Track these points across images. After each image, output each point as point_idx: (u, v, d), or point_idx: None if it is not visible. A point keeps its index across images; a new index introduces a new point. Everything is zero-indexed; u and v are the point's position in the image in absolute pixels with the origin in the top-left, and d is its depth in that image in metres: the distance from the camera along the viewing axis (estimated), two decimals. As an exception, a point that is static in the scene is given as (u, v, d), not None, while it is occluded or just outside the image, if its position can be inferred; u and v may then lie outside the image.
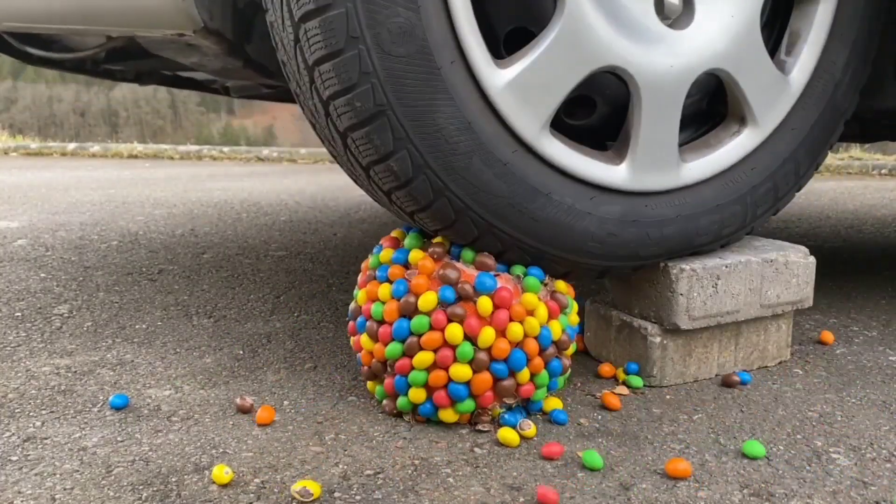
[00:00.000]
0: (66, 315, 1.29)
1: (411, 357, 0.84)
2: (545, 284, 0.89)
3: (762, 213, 1.02)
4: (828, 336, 1.15)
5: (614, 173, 0.91)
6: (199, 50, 1.11)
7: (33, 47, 1.36)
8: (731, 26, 0.92)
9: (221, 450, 0.80)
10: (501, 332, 0.83)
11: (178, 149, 5.76)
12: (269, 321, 1.27)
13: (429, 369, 0.83)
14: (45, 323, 1.25)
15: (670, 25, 0.91)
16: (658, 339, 0.97)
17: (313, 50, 0.78)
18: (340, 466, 0.77)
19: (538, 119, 0.85)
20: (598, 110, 0.94)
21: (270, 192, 3.22)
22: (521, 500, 0.71)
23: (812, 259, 1.05)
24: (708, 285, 0.96)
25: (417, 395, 0.84)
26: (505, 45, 0.88)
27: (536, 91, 0.84)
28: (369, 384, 0.92)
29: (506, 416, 0.86)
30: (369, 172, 0.84)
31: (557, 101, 0.85)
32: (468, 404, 0.84)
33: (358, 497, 0.71)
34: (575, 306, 0.93)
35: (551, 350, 0.86)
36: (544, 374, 0.87)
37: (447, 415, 0.85)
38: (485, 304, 0.83)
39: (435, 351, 0.83)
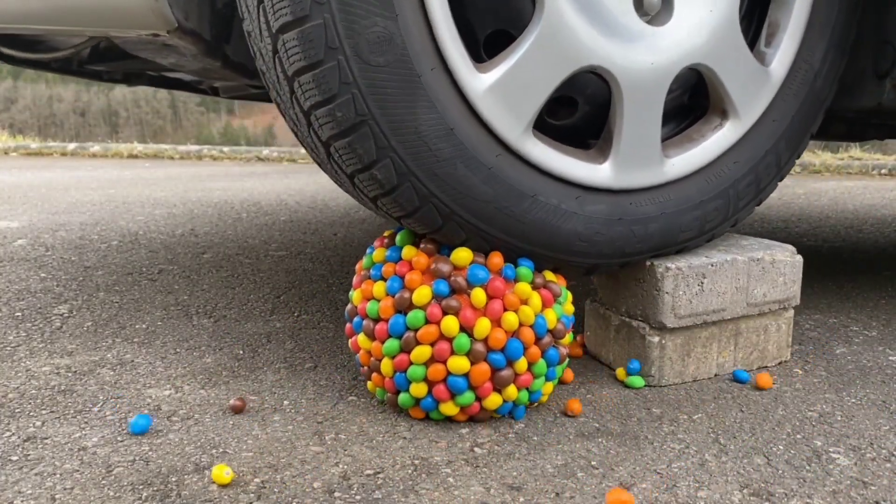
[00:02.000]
0: (67, 315, 1.29)
1: (409, 352, 0.84)
2: (536, 273, 0.89)
3: (744, 205, 1.02)
4: (765, 380, 0.99)
5: (598, 172, 0.91)
6: (177, 50, 1.10)
7: (14, 49, 1.35)
8: (710, 20, 0.92)
9: (221, 450, 0.80)
10: (497, 323, 0.84)
11: (178, 149, 5.77)
12: (269, 321, 1.27)
13: (427, 363, 0.84)
14: (45, 323, 1.25)
15: (649, 22, 0.91)
16: (657, 339, 0.97)
17: (292, 61, 0.77)
18: (340, 466, 0.77)
19: (521, 122, 0.85)
20: (580, 109, 0.94)
21: (270, 191, 3.22)
22: (521, 499, 0.71)
23: (799, 258, 1.05)
24: (694, 284, 0.96)
25: (418, 389, 0.84)
26: (485, 48, 0.88)
27: (518, 94, 0.84)
28: (369, 384, 0.92)
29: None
30: (353, 180, 0.84)
31: (539, 103, 0.85)
32: (468, 396, 0.84)
33: (358, 497, 0.71)
34: (568, 295, 0.93)
35: (547, 339, 0.87)
36: (542, 363, 0.87)
37: (448, 408, 0.85)
38: (478, 295, 0.83)
39: (432, 345, 0.83)
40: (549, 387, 0.91)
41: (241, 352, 1.11)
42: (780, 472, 0.77)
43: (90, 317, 1.28)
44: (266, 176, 4.00)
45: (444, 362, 0.83)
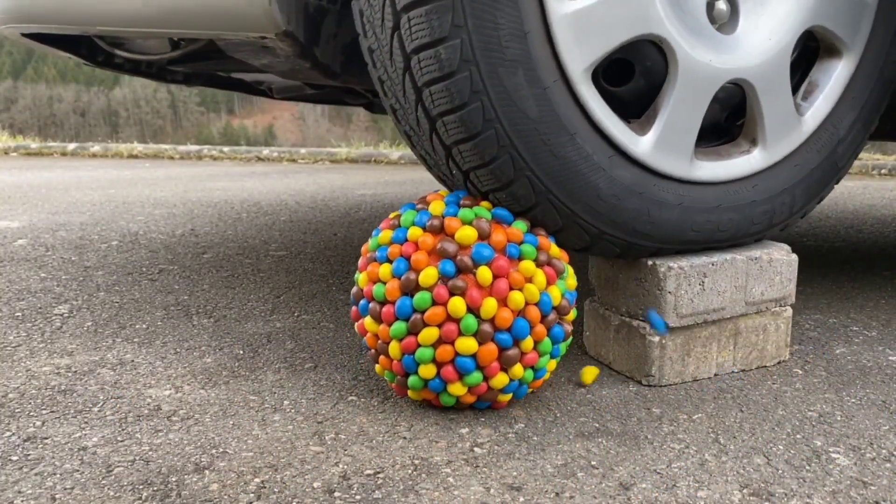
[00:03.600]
0: (67, 315, 1.29)
1: (416, 335, 0.84)
2: (539, 250, 0.89)
3: (755, 231, 1.05)
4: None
5: (637, 142, 0.93)
6: (273, 52, 1.15)
7: (126, 51, 1.41)
8: (767, 46, 0.99)
9: (222, 449, 0.80)
10: (503, 302, 0.84)
11: (178, 149, 5.77)
12: (269, 321, 1.27)
13: (435, 345, 0.84)
14: (45, 323, 1.25)
15: (717, 28, 0.97)
16: (657, 339, 0.97)
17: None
18: (340, 466, 0.77)
19: (586, 58, 0.88)
20: (635, 81, 0.97)
21: (270, 191, 3.22)
22: (521, 499, 0.71)
23: (794, 256, 1.05)
24: (695, 283, 0.97)
25: (427, 371, 0.85)
26: None
27: (593, 30, 0.87)
28: (377, 367, 0.92)
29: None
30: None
31: (607, 49, 0.88)
32: (476, 376, 0.84)
33: (358, 497, 0.71)
34: (571, 271, 0.93)
35: (552, 316, 0.87)
36: (547, 341, 0.87)
37: (456, 388, 0.85)
38: (484, 274, 0.83)
39: (439, 326, 0.83)
40: (552, 364, 0.91)
41: (242, 352, 1.11)
42: (780, 471, 0.77)
43: (90, 317, 1.28)
44: (266, 176, 4.00)
45: (452, 343, 0.84)
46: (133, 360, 1.07)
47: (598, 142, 0.91)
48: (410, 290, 0.85)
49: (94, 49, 1.46)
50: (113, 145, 5.84)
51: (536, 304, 0.85)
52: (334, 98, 1.94)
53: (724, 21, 0.98)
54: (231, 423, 0.87)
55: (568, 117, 0.88)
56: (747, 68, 0.97)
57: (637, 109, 0.96)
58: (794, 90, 1.05)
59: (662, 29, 0.90)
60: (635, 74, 0.96)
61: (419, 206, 0.92)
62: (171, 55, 1.35)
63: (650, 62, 0.94)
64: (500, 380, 0.86)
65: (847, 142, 1.09)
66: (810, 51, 1.08)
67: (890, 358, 1.12)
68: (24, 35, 1.33)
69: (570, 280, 0.92)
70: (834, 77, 1.06)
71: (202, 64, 1.45)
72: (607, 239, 0.95)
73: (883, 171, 4.20)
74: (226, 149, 5.76)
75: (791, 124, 1.03)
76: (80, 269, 1.63)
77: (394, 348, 0.86)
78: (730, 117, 1.06)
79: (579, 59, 0.87)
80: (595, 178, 0.90)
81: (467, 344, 0.83)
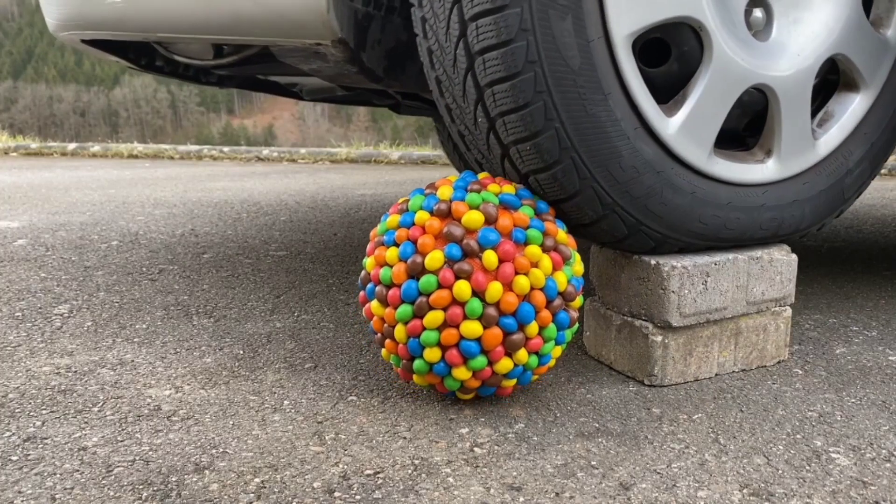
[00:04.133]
0: (67, 315, 1.29)
1: (421, 318, 0.84)
2: (546, 236, 0.89)
3: (760, 236, 1.06)
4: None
5: (663, 122, 0.94)
6: (323, 57, 1.19)
7: (184, 56, 1.46)
8: (795, 62, 1.02)
9: (222, 449, 0.80)
10: (508, 286, 0.84)
11: (178, 149, 5.77)
12: (269, 321, 1.27)
13: (440, 328, 0.84)
14: (45, 323, 1.25)
15: (754, 35, 1.00)
16: (660, 339, 0.97)
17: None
18: (340, 466, 0.77)
19: (630, 24, 0.89)
20: (669, 65, 0.98)
21: (270, 191, 3.22)
22: (521, 499, 0.71)
23: (794, 256, 1.06)
24: (698, 282, 0.97)
25: (432, 354, 0.85)
26: None
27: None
28: (383, 352, 0.92)
29: None
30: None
31: (651, 21, 0.91)
32: (480, 360, 0.85)
33: (358, 497, 0.71)
34: (577, 257, 0.93)
35: (558, 302, 0.87)
36: (552, 327, 0.87)
37: (461, 372, 0.86)
38: (490, 258, 0.84)
39: (444, 309, 0.84)
40: (558, 350, 0.91)
41: (242, 352, 1.11)
42: (780, 471, 0.77)
43: (90, 317, 1.28)
44: (266, 176, 4.00)
45: (457, 327, 0.84)
46: (133, 360, 1.07)
47: (628, 110, 0.92)
48: (416, 273, 0.85)
49: (139, 53, 1.52)
50: (113, 145, 5.85)
51: (542, 290, 0.86)
52: (363, 99, 1.99)
53: (760, 29, 1.02)
54: (231, 423, 0.87)
55: (605, 77, 0.89)
56: (775, 76, 1.00)
57: (666, 96, 0.98)
58: (812, 116, 1.08)
59: (703, 16, 0.93)
60: (671, 58, 0.98)
61: (427, 190, 0.93)
62: (229, 60, 1.39)
63: (687, 48, 0.97)
64: (505, 364, 0.86)
65: (855, 174, 1.12)
66: (830, 84, 1.12)
67: (890, 358, 1.12)
68: (82, 41, 1.37)
69: (577, 266, 0.92)
70: (850, 110, 1.09)
71: (249, 68, 1.49)
72: (618, 213, 0.95)
73: (883, 171, 4.20)
74: (226, 149, 5.76)
75: (805, 144, 1.06)
76: (80, 269, 1.63)
77: (399, 331, 0.87)
78: (748, 127, 1.08)
79: (624, 23, 0.89)
80: (619, 144, 0.91)
81: (472, 328, 0.83)
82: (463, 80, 0.92)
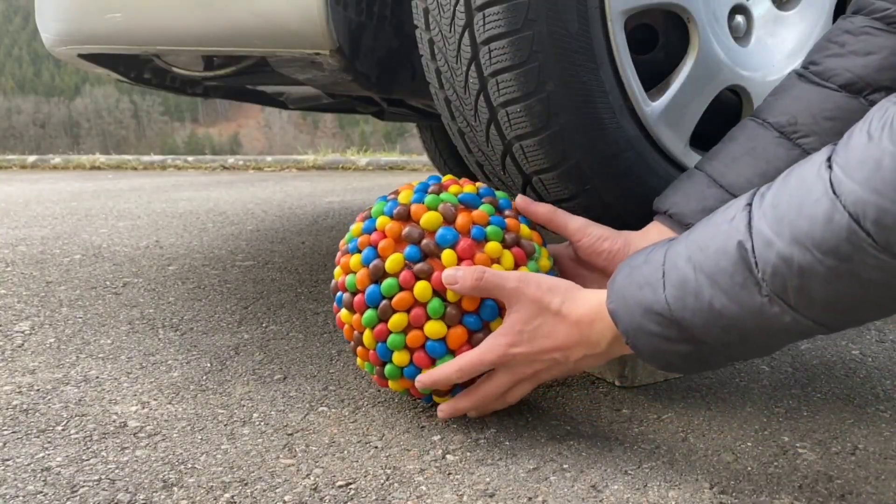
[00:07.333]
0: (28, 332, 1.27)
1: (386, 321, 0.84)
2: (507, 232, 0.89)
3: None
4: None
5: (647, 104, 0.96)
6: (320, 66, 1.20)
7: (187, 69, 1.46)
8: (771, 71, 1.07)
9: (190, 465, 0.79)
10: None
11: (141, 159, 5.69)
12: (236, 333, 1.25)
13: (405, 330, 0.84)
14: (5, 340, 1.22)
15: (736, 39, 1.05)
16: (626, 341, 0.98)
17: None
18: (311, 478, 0.76)
19: (623, 1, 0.92)
20: (655, 53, 1.02)
21: (237, 200, 3.19)
22: (494, 505, 0.71)
23: None
24: None
25: (401, 358, 0.85)
26: None
27: None
28: (358, 360, 0.92)
29: None
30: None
31: (645, 0, 0.93)
32: (448, 360, 0.84)
33: (330, 509, 0.71)
34: (544, 252, 0.92)
35: None
36: None
37: None
38: (449, 256, 0.84)
39: (408, 311, 0.84)
40: None
41: (209, 365, 1.10)
42: (749, 468, 0.78)
43: (53, 333, 1.26)
44: (232, 185, 3.97)
45: (422, 328, 0.84)
46: (98, 377, 1.05)
47: (615, 86, 0.94)
48: (378, 277, 0.85)
49: (129, 66, 1.53)
50: (74, 157, 5.75)
51: None
52: (347, 107, 2.01)
53: (740, 35, 1.07)
54: (199, 437, 0.86)
55: (599, 48, 0.91)
56: (752, 78, 1.03)
57: (649, 85, 1.00)
58: None
59: (693, 5, 0.96)
60: (657, 45, 1.01)
61: (391, 196, 0.93)
62: (226, 71, 1.40)
63: (673, 36, 1.00)
64: None
65: None
66: None
67: (853, 352, 1.14)
68: (79, 56, 1.37)
69: (544, 261, 0.91)
70: None
71: (242, 78, 1.50)
72: (591, 192, 0.96)
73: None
74: (190, 158, 5.69)
75: None
76: (41, 285, 1.60)
77: (367, 337, 0.87)
78: (718, 131, 1.09)
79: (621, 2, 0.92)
80: (605, 117, 0.92)
81: (436, 328, 0.83)
82: (466, 72, 0.93)
